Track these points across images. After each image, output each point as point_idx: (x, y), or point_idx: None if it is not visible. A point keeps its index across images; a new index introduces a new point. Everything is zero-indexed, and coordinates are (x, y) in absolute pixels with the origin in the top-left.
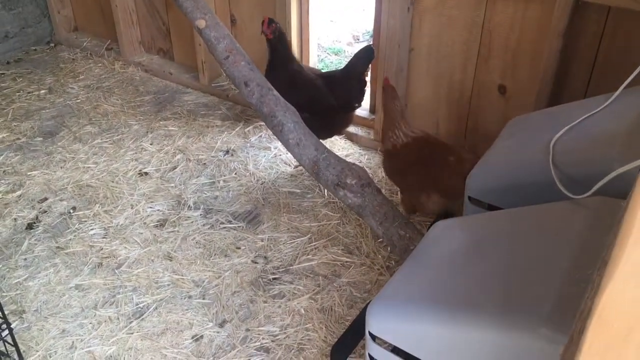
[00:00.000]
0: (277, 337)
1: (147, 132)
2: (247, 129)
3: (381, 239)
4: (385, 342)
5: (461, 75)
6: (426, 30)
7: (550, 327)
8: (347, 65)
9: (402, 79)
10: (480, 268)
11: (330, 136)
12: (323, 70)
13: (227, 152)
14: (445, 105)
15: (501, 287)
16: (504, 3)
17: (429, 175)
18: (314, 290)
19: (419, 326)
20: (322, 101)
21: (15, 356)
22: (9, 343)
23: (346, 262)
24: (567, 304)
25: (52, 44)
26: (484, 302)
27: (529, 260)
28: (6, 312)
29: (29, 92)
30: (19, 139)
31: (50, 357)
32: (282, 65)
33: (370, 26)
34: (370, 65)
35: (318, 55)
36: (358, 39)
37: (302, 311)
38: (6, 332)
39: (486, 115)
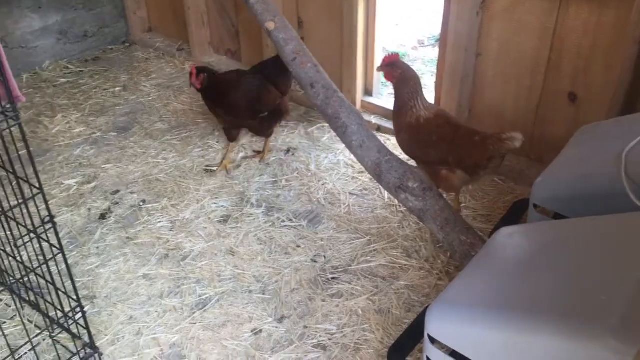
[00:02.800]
0: (334, 336)
1: (214, 130)
2: (309, 129)
3: (441, 244)
4: (444, 346)
5: (530, 81)
6: (495, 35)
7: (618, 339)
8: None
9: (468, 84)
10: (545, 276)
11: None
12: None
13: (288, 151)
14: (512, 112)
15: (566, 295)
16: (577, 8)
17: (455, 152)
18: (371, 292)
19: (480, 331)
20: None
21: (87, 338)
22: (81, 326)
23: (405, 265)
24: (636, 315)
25: (128, 44)
26: (549, 309)
27: (596, 270)
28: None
29: (104, 89)
30: (94, 133)
31: (117, 341)
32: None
33: (435, 30)
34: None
35: None
36: (423, 43)
37: (360, 312)
38: (79, 315)
39: (554, 122)
